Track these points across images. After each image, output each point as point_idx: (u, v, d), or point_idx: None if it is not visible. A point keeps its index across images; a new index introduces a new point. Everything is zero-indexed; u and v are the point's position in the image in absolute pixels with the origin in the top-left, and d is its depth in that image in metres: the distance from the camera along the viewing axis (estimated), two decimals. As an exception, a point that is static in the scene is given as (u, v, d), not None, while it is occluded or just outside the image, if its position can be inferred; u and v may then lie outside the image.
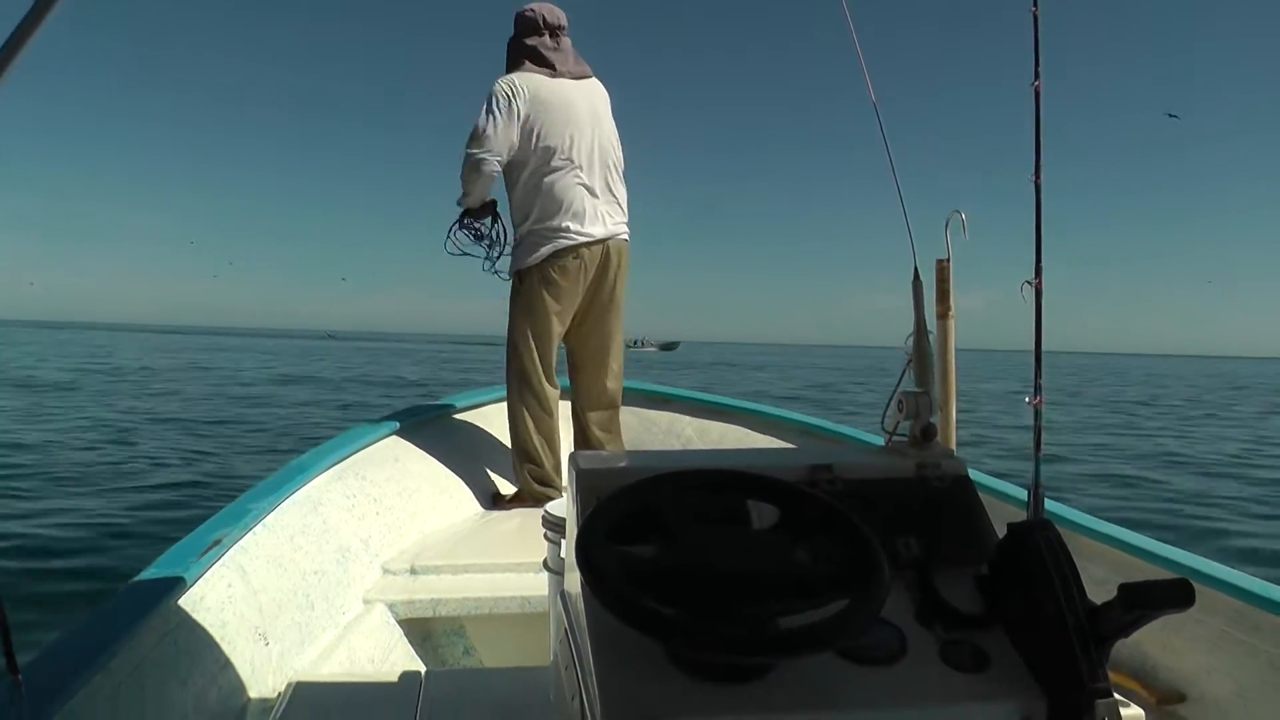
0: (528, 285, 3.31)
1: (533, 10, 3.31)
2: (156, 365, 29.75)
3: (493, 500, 3.44)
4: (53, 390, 17.38)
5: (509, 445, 3.52)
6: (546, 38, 3.31)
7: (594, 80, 3.42)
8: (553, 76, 3.29)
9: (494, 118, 3.19)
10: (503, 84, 3.24)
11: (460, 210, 3.47)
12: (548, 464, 3.35)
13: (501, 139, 3.20)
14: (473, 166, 3.24)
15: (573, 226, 3.23)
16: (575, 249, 3.24)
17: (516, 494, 3.42)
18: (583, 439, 3.55)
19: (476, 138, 3.22)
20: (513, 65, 3.32)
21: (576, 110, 3.28)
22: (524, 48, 3.31)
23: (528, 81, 3.24)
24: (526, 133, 3.21)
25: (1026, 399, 1.59)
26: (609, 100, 3.45)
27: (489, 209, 3.48)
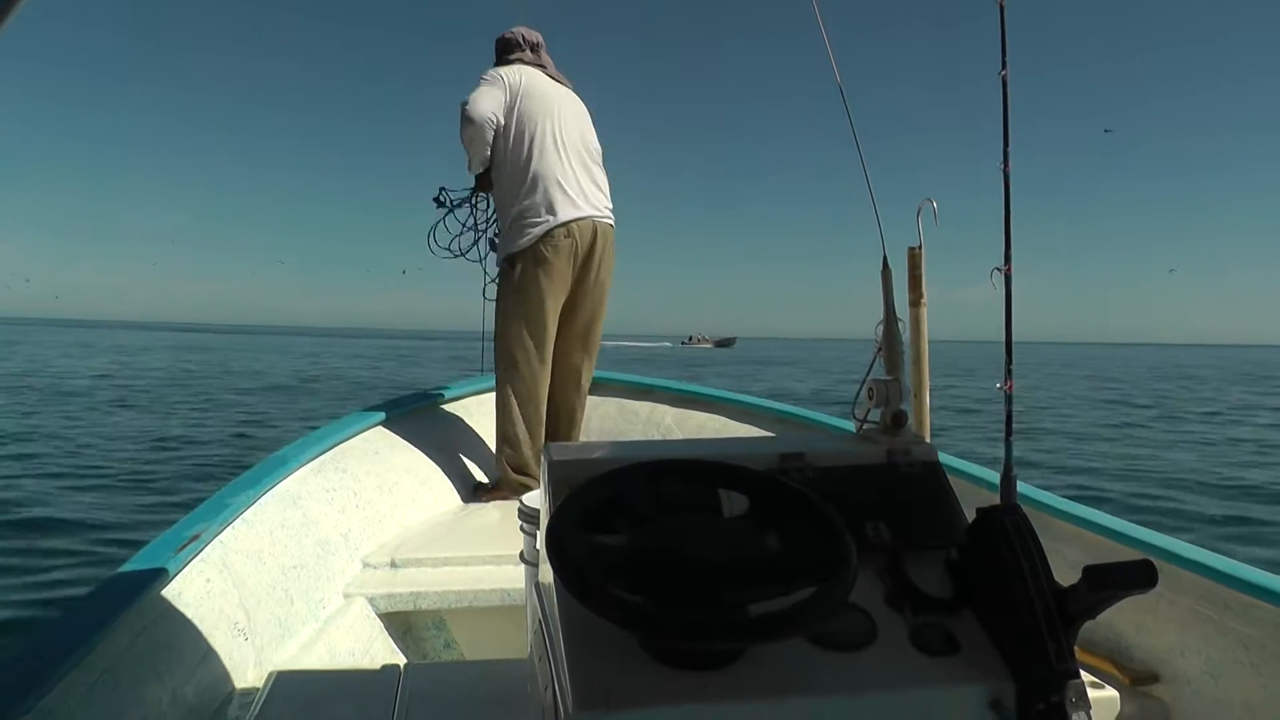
0: (522, 268, 3.30)
1: (511, 32, 3.47)
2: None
3: (473, 492, 3.44)
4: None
5: (490, 436, 3.52)
6: (528, 52, 3.46)
7: (572, 92, 3.53)
8: (542, 73, 3.44)
9: (485, 85, 3.36)
10: (492, 69, 3.40)
11: (468, 191, 3.67)
12: (529, 454, 3.35)
13: (492, 98, 3.31)
14: (466, 119, 3.32)
15: (562, 203, 3.27)
16: (566, 226, 3.27)
17: (495, 484, 3.42)
18: (549, 422, 3.55)
19: (470, 99, 3.34)
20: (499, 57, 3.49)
21: (559, 102, 3.39)
22: (510, 61, 3.45)
23: (517, 69, 3.37)
24: (512, 117, 3.30)
25: (998, 384, 1.61)
26: (587, 111, 3.56)
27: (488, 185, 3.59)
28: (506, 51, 3.47)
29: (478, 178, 3.58)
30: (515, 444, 3.34)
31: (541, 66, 3.45)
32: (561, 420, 3.55)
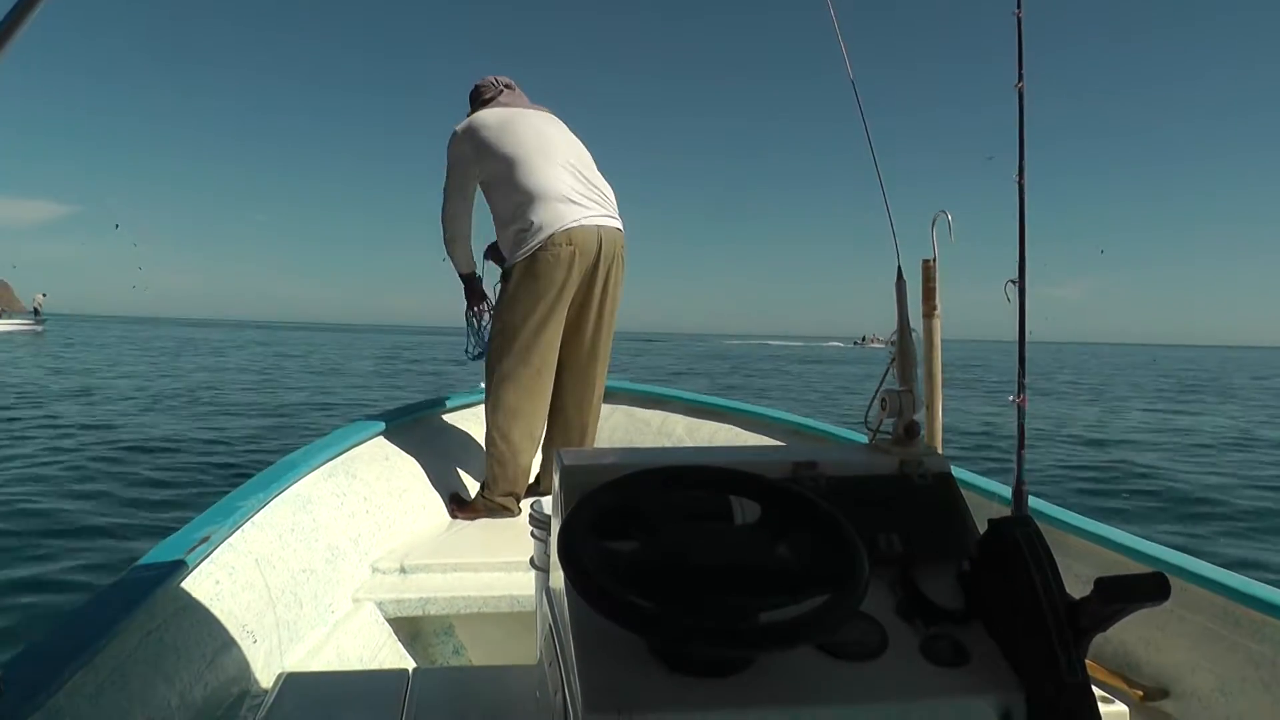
0: (516, 279, 3.18)
1: (482, 81, 3.50)
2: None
3: (450, 505, 3.31)
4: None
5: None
6: (502, 93, 3.45)
7: (553, 116, 3.50)
8: (517, 105, 3.43)
9: (452, 189, 3.39)
10: (455, 136, 3.36)
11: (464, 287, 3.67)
12: (514, 472, 3.23)
13: (462, 211, 3.43)
14: (447, 242, 3.50)
15: (563, 210, 3.15)
16: (567, 232, 3.14)
17: (471, 503, 3.28)
18: (562, 440, 3.46)
19: (444, 216, 3.45)
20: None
21: (537, 120, 3.36)
22: (479, 105, 3.45)
23: (477, 117, 3.36)
24: (493, 151, 3.23)
25: (1010, 397, 1.60)
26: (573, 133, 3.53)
27: (479, 291, 3.66)
28: (479, 97, 3.46)
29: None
30: (502, 461, 3.21)
31: (503, 105, 3.43)
32: (573, 433, 3.43)
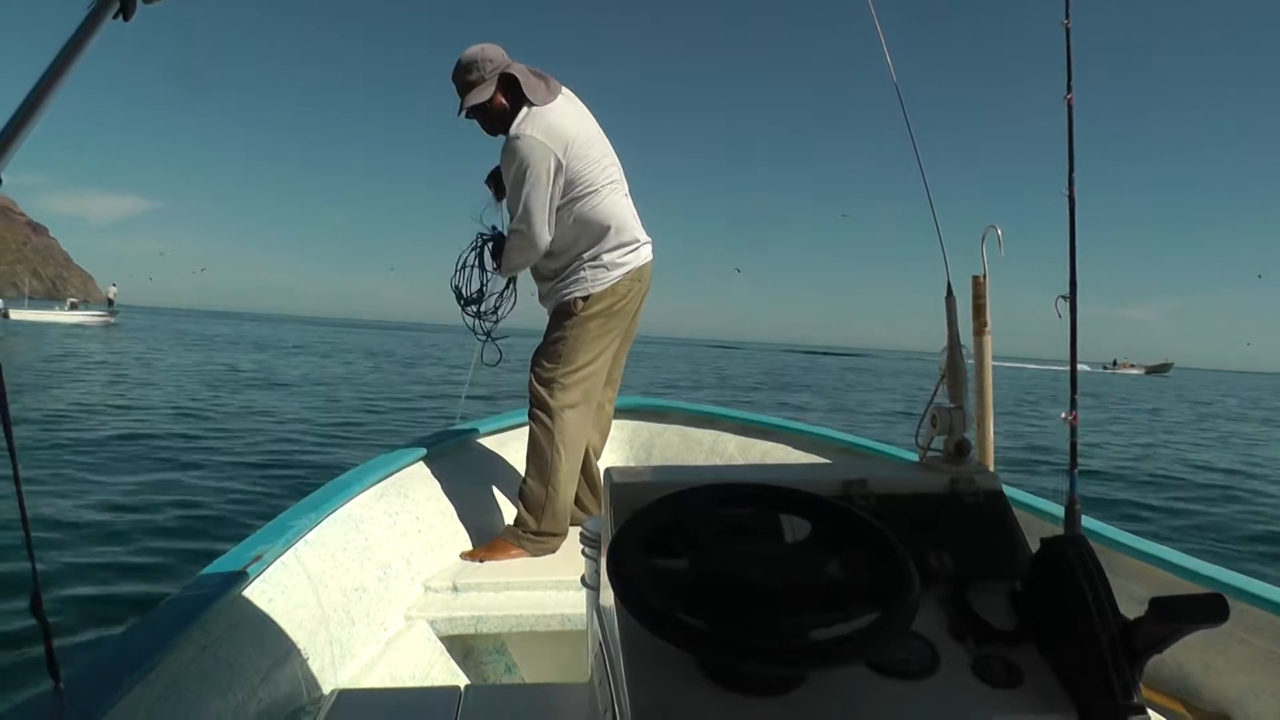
0: (594, 314, 3.00)
1: (523, 72, 2.98)
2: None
3: (479, 542, 3.08)
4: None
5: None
6: (543, 82, 3.02)
7: (567, 90, 3.10)
8: (546, 101, 2.96)
9: (544, 197, 2.89)
10: (530, 147, 2.85)
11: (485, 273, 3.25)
12: (559, 508, 3.04)
13: (548, 206, 2.91)
14: (529, 243, 2.95)
15: (643, 250, 3.07)
16: (639, 270, 3.06)
17: (509, 539, 3.02)
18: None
19: (531, 217, 2.90)
20: (509, 103, 2.97)
21: (587, 124, 3.04)
22: (508, 80, 2.96)
23: (542, 127, 2.89)
24: (578, 172, 2.94)
25: (1062, 415, 1.59)
26: None
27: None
28: (514, 87, 2.95)
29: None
30: (552, 498, 3.02)
31: (545, 84, 2.99)
32: (589, 457, 3.35)
